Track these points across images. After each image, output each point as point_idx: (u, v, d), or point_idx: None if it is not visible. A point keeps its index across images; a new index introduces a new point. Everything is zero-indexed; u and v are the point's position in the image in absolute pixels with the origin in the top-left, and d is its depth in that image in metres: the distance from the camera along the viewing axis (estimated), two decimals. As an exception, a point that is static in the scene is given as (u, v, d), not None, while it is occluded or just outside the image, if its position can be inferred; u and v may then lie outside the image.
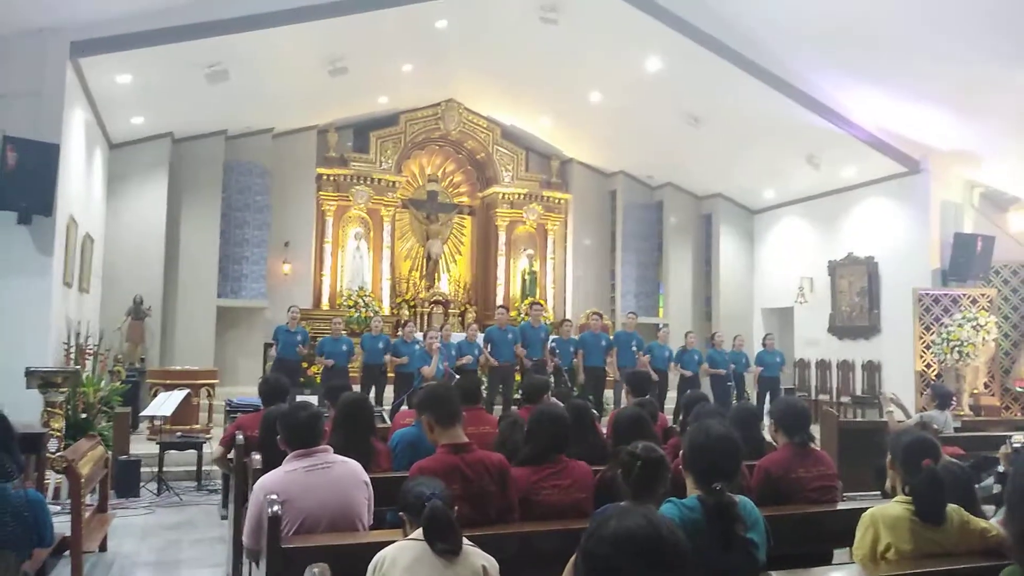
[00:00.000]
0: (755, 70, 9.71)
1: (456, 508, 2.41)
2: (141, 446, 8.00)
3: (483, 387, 9.24)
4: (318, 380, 10.26)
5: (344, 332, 10.41)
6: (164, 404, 7.57)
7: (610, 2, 9.09)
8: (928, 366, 10.55)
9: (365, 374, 9.83)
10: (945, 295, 10.63)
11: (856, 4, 8.12)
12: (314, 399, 7.50)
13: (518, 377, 10.09)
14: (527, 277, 14.46)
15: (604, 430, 4.60)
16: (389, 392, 9.74)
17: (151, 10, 7.59)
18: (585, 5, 9.33)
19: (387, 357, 9.74)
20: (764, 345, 11.41)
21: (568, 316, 13.48)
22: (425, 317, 13.50)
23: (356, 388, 7.38)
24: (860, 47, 8.87)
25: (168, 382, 8.82)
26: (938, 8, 7.59)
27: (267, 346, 11.34)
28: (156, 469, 7.37)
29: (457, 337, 10.67)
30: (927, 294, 10.67)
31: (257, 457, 3.92)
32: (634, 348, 10.52)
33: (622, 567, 1.36)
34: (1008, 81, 8.37)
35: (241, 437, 4.78)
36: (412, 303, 13.78)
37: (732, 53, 9.56)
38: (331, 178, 13.17)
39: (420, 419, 3.23)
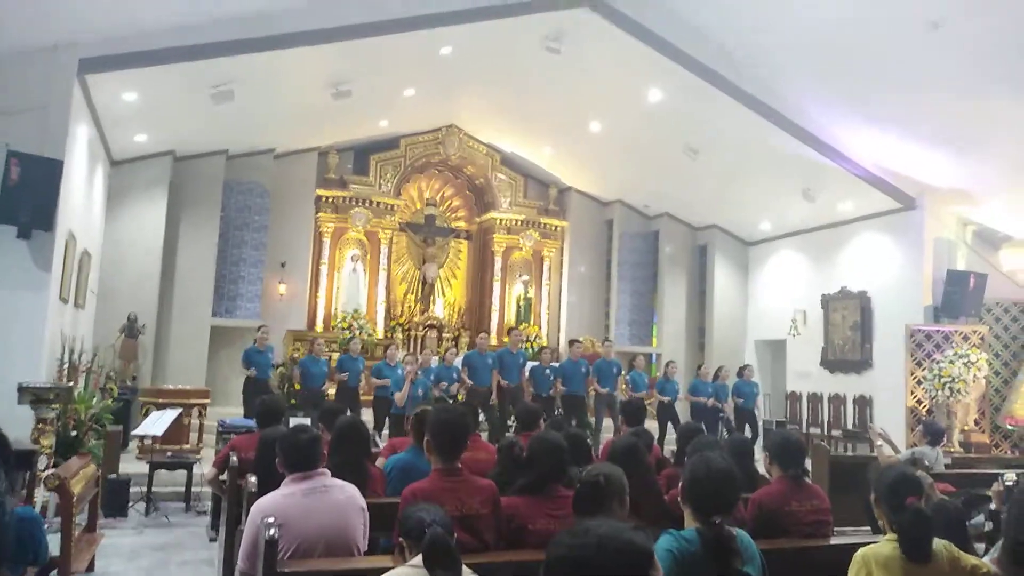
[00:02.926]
0: (753, 104, 9.85)
1: (455, 534, 2.42)
2: (131, 465, 7.94)
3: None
4: (293, 401, 10.16)
5: (335, 355, 10.42)
6: (156, 423, 7.51)
7: (613, 34, 9.23)
8: (919, 402, 10.59)
9: (341, 396, 9.73)
10: (937, 331, 10.69)
11: (855, 41, 8.26)
12: (307, 421, 7.48)
13: (492, 402, 10.12)
14: (522, 303, 14.50)
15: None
16: (366, 415, 9.69)
17: (160, 29, 7.67)
18: (588, 36, 9.47)
19: (363, 379, 9.72)
20: (740, 376, 11.42)
21: (563, 343, 13.51)
22: (419, 341, 13.51)
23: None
24: (858, 83, 9.01)
25: (160, 401, 8.78)
26: (937, 46, 7.72)
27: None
28: (145, 489, 7.32)
29: (436, 362, 10.71)
30: (919, 330, 10.74)
31: (252, 479, 3.92)
32: (616, 373, 10.61)
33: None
34: (1004, 120, 8.50)
35: (235, 459, 4.77)
36: (406, 326, 13.78)
37: (731, 87, 9.70)
38: (330, 200, 13.23)
39: (425, 441, 3.23)
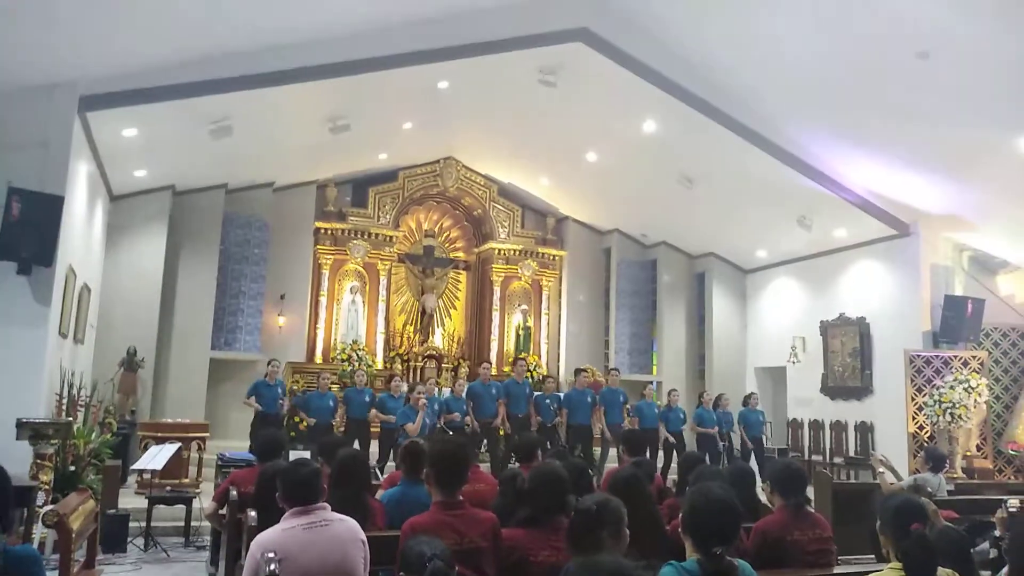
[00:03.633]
0: (748, 134, 9.94)
1: (456, 568, 2.42)
2: (129, 500, 7.89)
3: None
4: (293, 434, 10.13)
5: (333, 387, 10.39)
6: (155, 458, 7.48)
7: (607, 67, 9.35)
8: (921, 428, 10.56)
9: (349, 428, 9.74)
10: (936, 357, 10.69)
11: (847, 70, 8.36)
12: (306, 454, 7.45)
13: (501, 432, 10.07)
14: (521, 333, 14.49)
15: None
16: (374, 447, 9.69)
17: (160, 67, 7.76)
18: (582, 69, 9.59)
19: (372, 412, 9.72)
20: (746, 404, 11.38)
21: (563, 372, 13.49)
22: (418, 371, 13.49)
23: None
24: (850, 112, 9.10)
25: (159, 435, 8.74)
26: (928, 75, 7.81)
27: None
28: (144, 524, 7.26)
29: (444, 392, 10.66)
30: (919, 356, 10.74)
31: (252, 514, 3.91)
32: (623, 402, 10.54)
33: None
34: (1001, 147, 8.54)
35: (235, 493, 4.75)
36: (406, 357, 13.78)
37: (725, 117, 9.80)
38: (329, 232, 13.30)
39: (425, 474, 3.23)
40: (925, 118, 8.60)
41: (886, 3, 7.26)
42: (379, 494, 4.49)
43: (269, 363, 10.11)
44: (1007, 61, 7.30)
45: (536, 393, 10.55)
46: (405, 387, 10.17)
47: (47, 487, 6.29)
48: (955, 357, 10.64)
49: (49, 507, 4.75)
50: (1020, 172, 8.82)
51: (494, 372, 12.66)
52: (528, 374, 12.78)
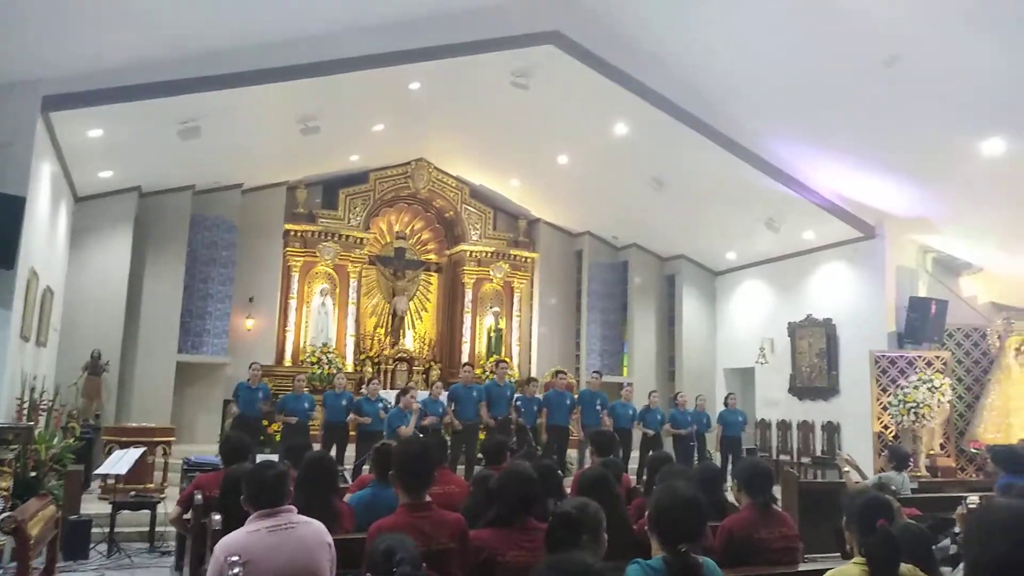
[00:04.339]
0: (718, 137, 10.05)
1: (423, 568, 2.40)
2: (92, 505, 7.74)
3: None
4: (278, 438, 10.10)
5: (306, 389, 10.31)
6: (119, 462, 7.34)
7: (579, 70, 9.39)
8: (886, 427, 10.72)
9: (327, 432, 9.68)
10: (901, 357, 10.88)
11: (816, 75, 8.48)
12: (275, 458, 7.37)
13: (482, 436, 10.03)
14: (493, 335, 14.49)
15: (568, 490, 4.60)
16: (351, 451, 9.63)
17: (125, 66, 7.63)
18: (555, 72, 9.62)
19: (351, 416, 9.67)
20: (726, 404, 11.54)
21: (534, 374, 13.47)
22: (389, 374, 13.42)
23: (316, 446, 7.30)
24: (818, 116, 9.25)
25: (124, 439, 8.58)
26: (895, 80, 7.94)
27: (227, 403, 11.14)
28: (107, 530, 7.13)
29: (421, 395, 10.60)
30: (884, 356, 10.91)
31: (217, 517, 3.85)
32: (599, 407, 10.54)
33: None
34: (965, 151, 8.72)
35: (200, 497, 4.68)
36: (376, 360, 13.70)
37: (696, 120, 9.89)
38: (299, 234, 13.18)
39: (390, 475, 3.21)
40: (891, 123, 8.76)
41: (855, 11, 7.37)
42: (347, 497, 4.45)
43: (251, 366, 10.02)
44: (971, 68, 7.45)
45: (518, 395, 10.52)
46: (384, 391, 10.10)
47: (6, 493, 6.14)
48: (919, 357, 10.83)
49: (7, 513, 4.64)
50: (983, 176, 9.01)
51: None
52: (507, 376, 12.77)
